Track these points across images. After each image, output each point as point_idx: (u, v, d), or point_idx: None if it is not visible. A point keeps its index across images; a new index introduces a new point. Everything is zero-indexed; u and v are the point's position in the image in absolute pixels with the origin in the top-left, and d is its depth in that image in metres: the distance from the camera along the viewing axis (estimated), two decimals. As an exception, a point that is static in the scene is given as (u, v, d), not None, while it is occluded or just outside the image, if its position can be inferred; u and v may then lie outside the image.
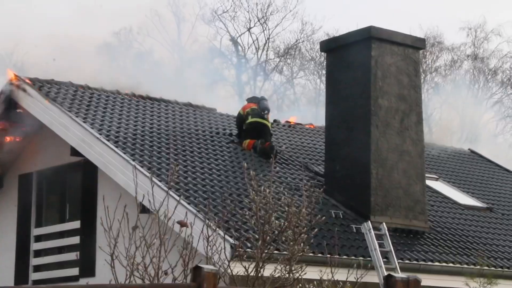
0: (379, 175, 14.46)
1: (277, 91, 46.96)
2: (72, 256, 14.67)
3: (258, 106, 16.29)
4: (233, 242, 10.98)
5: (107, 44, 44.65)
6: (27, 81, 15.46)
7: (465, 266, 14.10)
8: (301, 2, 47.36)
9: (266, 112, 16.22)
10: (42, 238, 15.84)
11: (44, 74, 16.43)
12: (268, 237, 9.41)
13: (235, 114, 18.53)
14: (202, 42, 46.45)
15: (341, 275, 9.92)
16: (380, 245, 13.08)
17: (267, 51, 47.09)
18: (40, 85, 15.58)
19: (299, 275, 9.55)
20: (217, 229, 9.39)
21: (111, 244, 8.70)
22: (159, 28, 46.11)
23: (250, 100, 16.84)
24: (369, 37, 14.82)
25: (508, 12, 55.76)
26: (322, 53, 35.32)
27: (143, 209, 9.77)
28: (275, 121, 18.80)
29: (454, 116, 38.05)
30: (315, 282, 9.72)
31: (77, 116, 14.63)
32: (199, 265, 7.88)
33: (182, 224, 8.94)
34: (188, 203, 12.29)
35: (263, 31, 46.98)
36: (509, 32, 45.22)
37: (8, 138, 15.96)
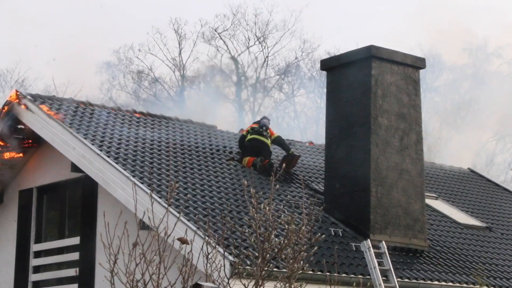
0: (379, 193, 14.48)
1: (277, 108, 47.06)
2: (71, 272, 14.66)
3: (258, 125, 16.47)
4: (233, 260, 10.99)
5: (107, 62, 44.86)
6: (29, 97, 15.52)
7: (465, 285, 14.10)
8: (299, 20, 47.59)
9: (264, 128, 16.34)
10: (41, 254, 15.83)
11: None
12: (267, 255, 9.41)
13: (236, 131, 18.65)
14: (204, 59, 46.64)
15: (340, 293, 9.93)
16: (380, 264, 13.08)
17: (266, 69, 47.25)
18: (41, 101, 15.64)
19: (299, 293, 9.54)
20: (217, 246, 9.40)
21: (110, 260, 8.71)
22: (161, 46, 46.28)
23: (255, 122, 17.09)
24: (369, 56, 14.90)
25: (509, 35, 55.97)
26: (322, 72, 35.43)
27: (143, 226, 9.79)
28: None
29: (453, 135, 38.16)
30: (314, 300, 9.72)
31: (78, 132, 14.67)
32: (198, 282, 7.89)
33: (183, 241, 8.93)
34: (188, 220, 12.32)
35: (262, 49, 47.17)
36: (510, 54, 45.42)
37: (9, 154, 15.99)
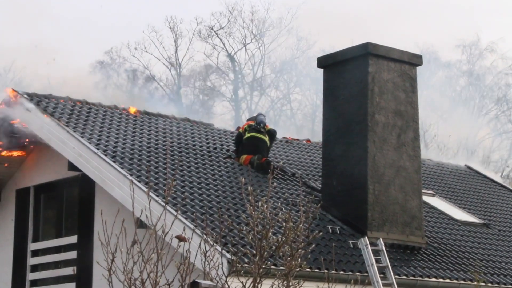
0: (376, 190, 14.49)
1: (274, 106, 47.07)
2: (69, 271, 14.66)
3: (255, 122, 16.44)
4: (230, 257, 10.99)
5: (100, 61, 44.83)
6: (25, 96, 15.50)
7: (462, 282, 14.12)
8: (296, 18, 47.49)
9: (262, 125, 16.34)
10: (39, 253, 15.83)
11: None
12: (265, 253, 9.41)
13: (233, 129, 18.66)
14: (199, 58, 46.66)
15: (338, 290, 9.92)
16: (377, 261, 13.09)
17: (263, 66, 47.25)
18: (38, 99, 15.62)
19: (296, 290, 9.54)
20: (215, 244, 9.40)
21: (108, 259, 8.70)
22: (156, 44, 46.27)
23: (249, 119, 17.04)
24: (366, 53, 14.90)
25: (501, 28, 56.08)
26: (319, 69, 35.35)
27: (141, 224, 9.78)
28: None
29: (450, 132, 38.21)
30: (312, 297, 9.73)
31: (74, 131, 14.66)
32: (196, 280, 7.90)
33: (181, 238, 8.94)
34: (186, 218, 12.32)
35: (259, 47, 47.15)
36: (503, 48, 45.46)
37: (5, 153, 15.97)
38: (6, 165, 16.17)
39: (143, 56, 46.42)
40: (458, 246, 15.67)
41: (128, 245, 8.67)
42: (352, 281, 10.40)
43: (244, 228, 9.82)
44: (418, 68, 15.62)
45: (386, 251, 13.42)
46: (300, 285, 9.58)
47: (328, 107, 15.49)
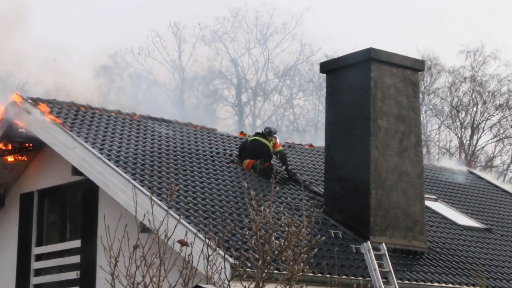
0: (379, 195, 14.53)
1: (277, 111, 47.11)
2: (73, 275, 14.69)
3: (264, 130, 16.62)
4: (233, 262, 11.03)
5: (103, 66, 44.91)
6: (29, 100, 15.55)
7: (465, 286, 14.14)
8: (300, 23, 47.54)
9: (267, 131, 16.40)
10: (42, 257, 15.87)
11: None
12: (268, 257, 9.44)
13: (236, 134, 18.71)
14: (202, 63, 46.69)
15: (340, 295, 9.96)
16: (380, 265, 13.12)
17: (266, 72, 47.31)
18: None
19: (299, 294, 9.57)
20: (217, 248, 9.43)
21: (111, 263, 8.74)
22: (160, 49, 46.35)
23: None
24: (368, 58, 14.94)
25: (506, 36, 56.13)
26: (321, 74, 35.36)
27: (144, 228, 9.82)
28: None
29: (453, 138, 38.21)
30: (314, 301, 9.75)
31: (78, 136, 14.71)
32: (199, 284, 7.94)
33: (183, 243, 8.97)
34: (188, 223, 12.36)
35: (263, 52, 47.23)
36: (507, 56, 45.38)
37: (10, 157, 16.02)
38: (10, 169, 16.22)
39: (146, 61, 46.50)
40: (460, 251, 15.69)
41: (130, 250, 8.71)
42: (355, 285, 10.43)
43: (247, 232, 9.86)
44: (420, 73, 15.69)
45: (389, 255, 13.45)
46: (302, 290, 9.61)
47: (330, 112, 15.53)
